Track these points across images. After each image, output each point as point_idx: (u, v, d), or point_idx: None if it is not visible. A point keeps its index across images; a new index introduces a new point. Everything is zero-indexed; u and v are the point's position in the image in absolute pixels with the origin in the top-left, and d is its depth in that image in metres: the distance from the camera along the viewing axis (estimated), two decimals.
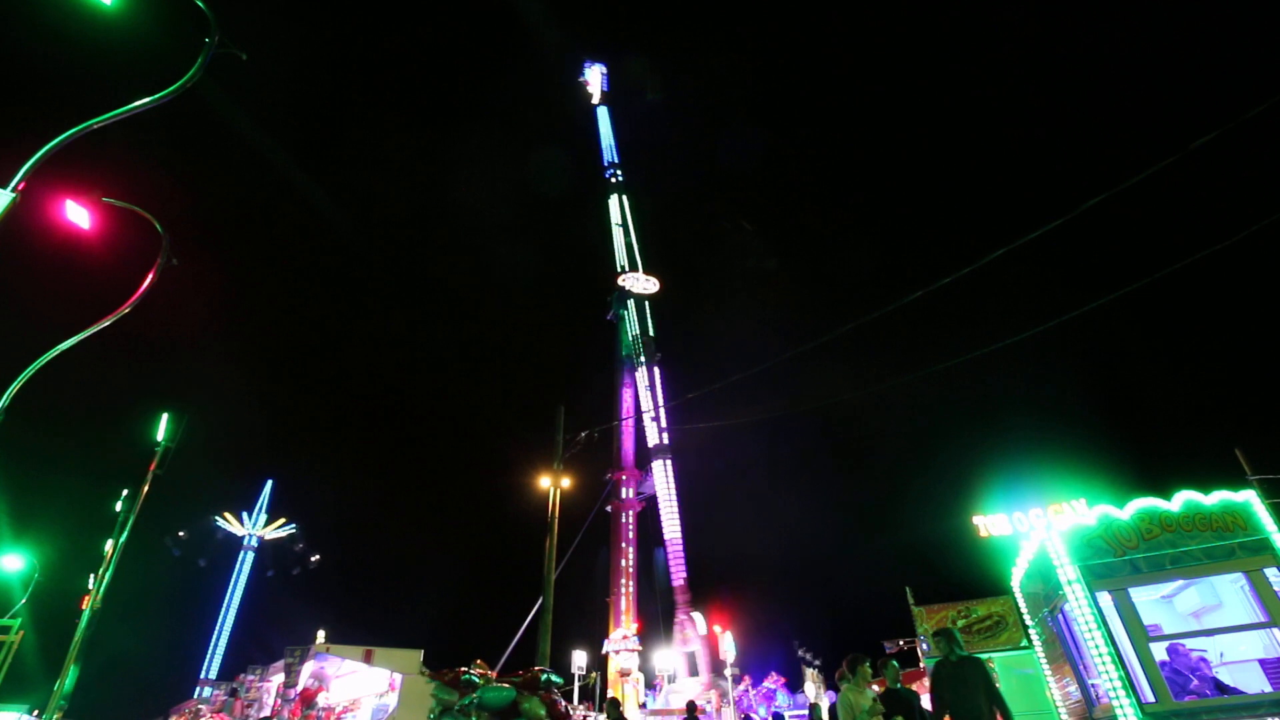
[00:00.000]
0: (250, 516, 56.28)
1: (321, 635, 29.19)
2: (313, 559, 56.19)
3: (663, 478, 37.94)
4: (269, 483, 58.87)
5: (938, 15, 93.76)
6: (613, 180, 49.88)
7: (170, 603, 57.96)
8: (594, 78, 55.34)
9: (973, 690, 7.77)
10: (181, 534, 51.42)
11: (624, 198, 48.53)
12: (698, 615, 34.36)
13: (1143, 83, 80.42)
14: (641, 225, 47.81)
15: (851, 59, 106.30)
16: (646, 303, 44.47)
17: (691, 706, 18.82)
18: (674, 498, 37.41)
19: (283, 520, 56.84)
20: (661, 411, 39.67)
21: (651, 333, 43.43)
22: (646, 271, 45.00)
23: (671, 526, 36.61)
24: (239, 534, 55.21)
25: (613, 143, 52.12)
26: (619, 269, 45.10)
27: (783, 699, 29.02)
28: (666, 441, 39.19)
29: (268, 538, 56.20)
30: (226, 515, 54.66)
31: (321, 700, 25.49)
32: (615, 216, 47.78)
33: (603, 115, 53.88)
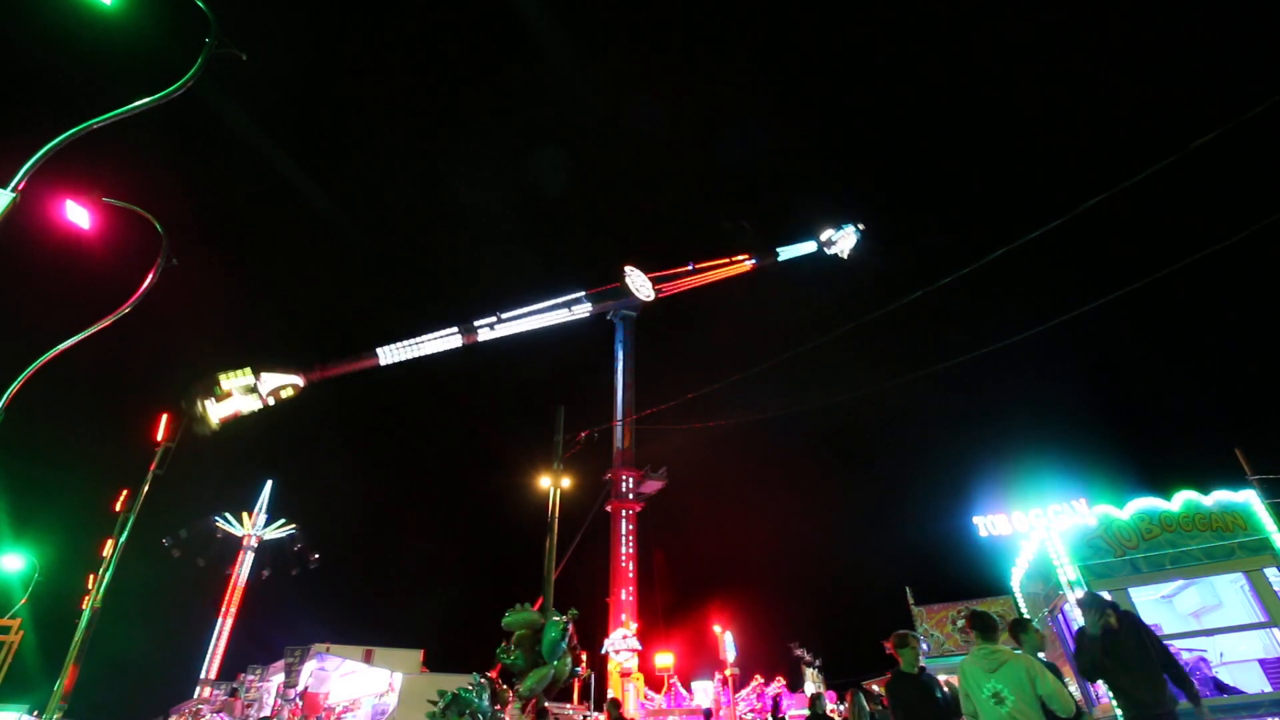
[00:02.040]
0: (250, 517, 56.29)
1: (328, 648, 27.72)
2: (313, 560, 56.21)
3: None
4: (269, 483, 58.95)
5: (938, 14, 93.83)
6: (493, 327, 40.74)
7: (170, 603, 58.06)
8: (847, 238, 55.97)
9: (1144, 659, 6.35)
10: (181, 534, 51.44)
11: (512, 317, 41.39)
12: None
13: (1143, 83, 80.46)
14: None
15: (851, 58, 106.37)
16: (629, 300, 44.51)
17: (708, 715, 18.96)
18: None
19: (282, 521, 56.89)
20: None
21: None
22: (617, 266, 44.88)
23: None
24: (238, 534, 55.20)
25: (795, 256, 53.24)
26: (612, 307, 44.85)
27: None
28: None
29: (267, 538, 56.19)
30: (226, 516, 54.66)
31: (323, 701, 25.53)
32: (558, 316, 41.98)
33: (807, 246, 54.37)
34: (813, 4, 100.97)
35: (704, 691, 31.36)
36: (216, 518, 54.07)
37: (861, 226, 55.89)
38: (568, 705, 27.93)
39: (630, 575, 36.60)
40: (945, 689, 6.95)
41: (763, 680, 29.34)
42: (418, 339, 37.56)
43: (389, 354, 37.14)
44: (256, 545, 55.55)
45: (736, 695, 28.80)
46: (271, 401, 33.79)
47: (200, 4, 10.27)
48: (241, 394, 32.81)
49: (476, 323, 38.30)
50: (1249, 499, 11.12)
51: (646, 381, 43.78)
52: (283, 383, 34.74)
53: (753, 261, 48.95)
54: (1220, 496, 11.25)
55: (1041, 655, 6.86)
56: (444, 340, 37.88)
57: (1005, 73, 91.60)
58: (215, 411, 31.38)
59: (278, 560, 56.14)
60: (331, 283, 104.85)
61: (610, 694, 29.08)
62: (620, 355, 44.10)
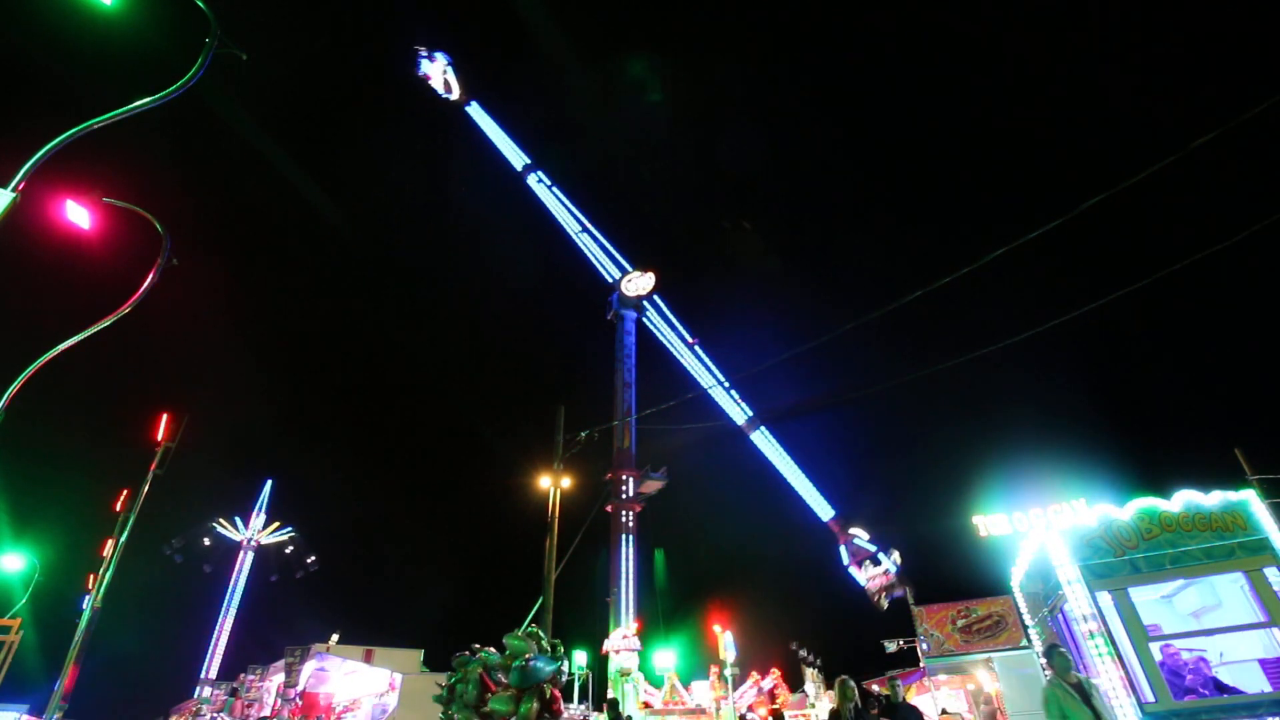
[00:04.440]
0: (249, 519, 56.32)
1: (335, 639, 28.47)
2: (310, 562, 56.21)
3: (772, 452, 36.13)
4: (268, 483, 58.97)
5: (938, 13, 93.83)
6: (541, 184, 44.11)
7: (170, 602, 58.08)
8: (436, 73, 46.37)
9: None
10: (179, 541, 51.52)
11: (558, 195, 43.84)
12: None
13: (1143, 82, 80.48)
14: (608, 217, 45.46)
15: (851, 58, 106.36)
16: (656, 296, 44.08)
17: (779, 716, 18.73)
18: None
19: (279, 525, 56.88)
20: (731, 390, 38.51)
21: (677, 324, 42.12)
22: (638, 266, 44.58)
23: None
24: (237, 538, 55.22)
25: (514, 144, 45.14)
26: (610, 278, 44.57)
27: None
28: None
29: (266, 542, 56.18)
30: (223, 521, 54.62)
31: (322, 701, 25.55)
32: (570, 224, 43.69)
33: (479, 114, 46.06)
34: (814, 6, 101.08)
35: (702, 691, 31.37)
36: (214, 522, 54.09)
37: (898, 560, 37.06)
38: (568, 705, 27.92)
39: (630, 575, 36.62)
40: None
41: (759, 675, 29.41)
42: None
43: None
44: (255, 548, 55.58)
45: (735, 691, 28.83)
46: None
47: (200, 4, 10.28)
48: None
49: (541, 172, 44.43)
50: (1249, 499, 11.13)
51: (647, 381, 43.78)
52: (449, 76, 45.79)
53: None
54: (1220, 496, 11.26)
55: None
56: (514, 152, 45.04)
57: (1006, 71, 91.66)
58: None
59: (277, 563, 56.22)
60: (331, 282, 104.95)
61: (610, 694, 29.08)
62: (621, 354, 44.10)
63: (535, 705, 11.96)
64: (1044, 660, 7.29)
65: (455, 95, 46.77)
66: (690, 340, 42.25)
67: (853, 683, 9.70)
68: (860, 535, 36.02)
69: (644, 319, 43.47)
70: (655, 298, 43.66)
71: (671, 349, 42.45)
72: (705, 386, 39.83)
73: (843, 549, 36.94)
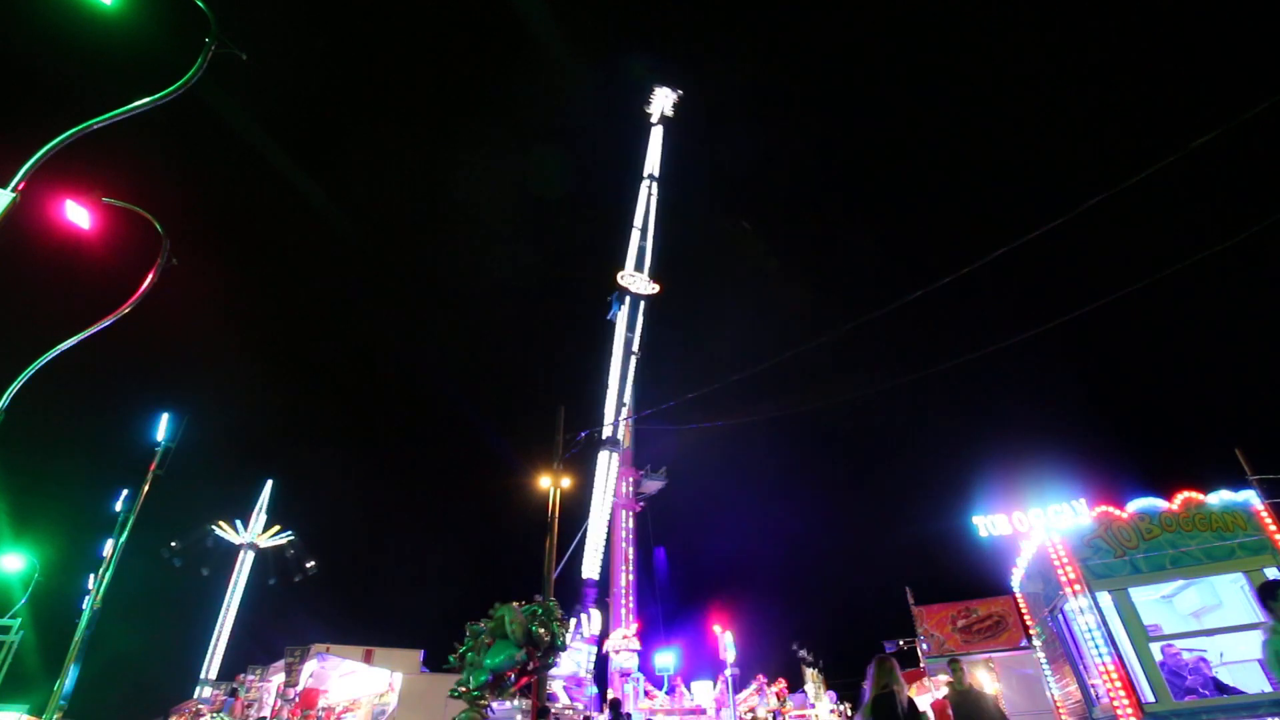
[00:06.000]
0: (249, 519, 56.14)
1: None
2: (309, 567, 55.95)
3: (602, 476, 37.05)
4: (268, 483, 58.82)
5: (939, 14, 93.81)
6: (647, 190, 50.68)
7: (169, 602, 57.99)
8: (661, 99, 56.23)
9: None
10: (178, 545, 51.37)
11: (651, 206, 49.34)
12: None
13: (1143, 83, 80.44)
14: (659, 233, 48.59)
15: (852, 58, 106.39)
16: (641, 301, 44.61)
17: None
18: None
19: (279, 529, 56.64)
20: (623, 409, 39.64)
21: (638, 329, 43.62)
22: (653, 277, 45.28)
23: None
24: (237, 542, 55.05)
25: (659, 158, 52.93)
26: (622, 268, 45.27)
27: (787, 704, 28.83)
28: (618, 435, 38.66)
29: (265, 545, 55.97)
30: (222, 524, 54.41)
31: (322, 701, 25.53)
32: (638, 220, 48.34)
33: (657, 134, 54.44)
34: (814, 7, 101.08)
35: (703, 691, 31.37)
36: (213, 526, 53.90)
37: None
38: (569, 706, 27.93)
39: (630, 575, 36.63)
40: None
41: (764, 678, 29.34)
42: None
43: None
44: (255, 550, 55.40)
45: (737, 696, 28.77)
46: None
47: (200, 4, 10.27)
48: None
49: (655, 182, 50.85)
50: (1249, 499, 11.13)
51: (647, 381, 43.82)
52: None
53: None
54: (1220, 496, 11.26)
55: None
56: (655, 162, 52.00)
57: (1005, 73, 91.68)
58: None
59: (275, 567, 56.03)
60: (331, 282, 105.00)
61: (610, 694, 29.08)
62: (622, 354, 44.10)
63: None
64: (1262, 605, 5.80)
65: (656, 118, 54.77)
66: (633, 350, 42.97)
67: (895, 666, 6.87)
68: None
69: (616, 308, 44.38)
70: (640, 302, 44.18)
71: (614, 345, 43.24)
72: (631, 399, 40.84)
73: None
